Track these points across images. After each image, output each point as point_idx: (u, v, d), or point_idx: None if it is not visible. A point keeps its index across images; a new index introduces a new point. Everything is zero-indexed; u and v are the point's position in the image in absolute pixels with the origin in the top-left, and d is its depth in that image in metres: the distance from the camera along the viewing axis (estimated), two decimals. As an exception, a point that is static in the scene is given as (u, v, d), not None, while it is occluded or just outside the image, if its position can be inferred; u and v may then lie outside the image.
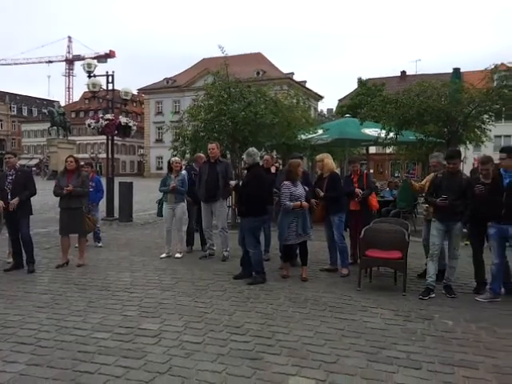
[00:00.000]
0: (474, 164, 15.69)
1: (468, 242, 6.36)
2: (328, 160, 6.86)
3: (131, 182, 13.13)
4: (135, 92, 61.46)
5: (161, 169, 59.12)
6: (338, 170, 10.67)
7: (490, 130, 13.26)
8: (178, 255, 7.71)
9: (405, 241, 5.75)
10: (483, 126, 12.22)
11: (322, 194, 6.52)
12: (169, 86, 63.13)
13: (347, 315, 4.78)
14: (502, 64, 11.07)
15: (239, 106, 11.35)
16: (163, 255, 7.72)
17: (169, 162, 8.07)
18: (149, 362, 3.61)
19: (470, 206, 5.47)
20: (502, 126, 25.99)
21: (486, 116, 11.23)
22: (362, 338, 4.16)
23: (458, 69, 13.26)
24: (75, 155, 7.47)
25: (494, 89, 10.33)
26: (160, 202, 8.34)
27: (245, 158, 6.29)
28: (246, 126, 11.12)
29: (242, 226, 6.31)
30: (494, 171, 5.47)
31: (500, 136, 39.06)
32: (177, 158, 8.13)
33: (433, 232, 5.67)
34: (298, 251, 6.59)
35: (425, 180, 6.47)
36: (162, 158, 61.82)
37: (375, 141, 12.86)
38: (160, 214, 8.24)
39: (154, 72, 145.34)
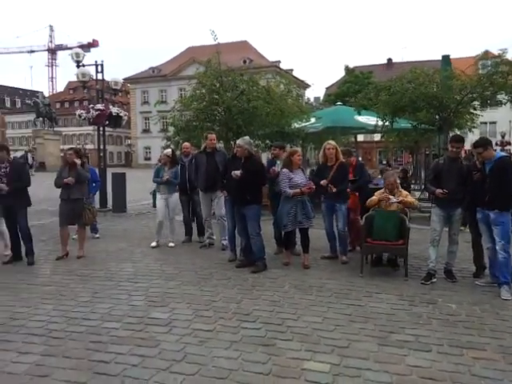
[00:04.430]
0: (465, 151, 15.88)
1: (463, 228, 6.41)
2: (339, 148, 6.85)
3: (124, 173, 12.98)
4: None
5: (149, 159, 58.61)
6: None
7: (482, 116, 13.42)
8: (171, 244, 7.77)
9: (406, 227, 5.83)
10: (474, 112, 12.37)
11: (334, 189, 6.36)
12: (154, 76, 62.38)
13: (353, 301, 4.86)
14: (488, 52, 11.18)
15: (232, 96, 11.30)
16: (153, 244, 7.75)
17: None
18: (163, 351, 3.64)
19: (469, 192, 5.50)
20: (488, 112, 26.29)
21: (476, 102, 11.35)
22: (370, 322, 4.24)
23: (448, 55, 13.32)
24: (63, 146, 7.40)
25: (485, 75, 10.43)
26: (154, 193, 8.33)
27: (247, 146, 6.27)
28: (239, 116, 11.08)
29: (244, 214, 6.29)
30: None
31: (486, 123, 39.57)
32: (167, 151, 8.12)
33: (433, 218, 5.74)
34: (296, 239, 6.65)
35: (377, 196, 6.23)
36: (149, 148, 61.34)
37: (374, 128, 12.91)
38: (155, 204, 8.25)
39: (138, 61, 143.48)
